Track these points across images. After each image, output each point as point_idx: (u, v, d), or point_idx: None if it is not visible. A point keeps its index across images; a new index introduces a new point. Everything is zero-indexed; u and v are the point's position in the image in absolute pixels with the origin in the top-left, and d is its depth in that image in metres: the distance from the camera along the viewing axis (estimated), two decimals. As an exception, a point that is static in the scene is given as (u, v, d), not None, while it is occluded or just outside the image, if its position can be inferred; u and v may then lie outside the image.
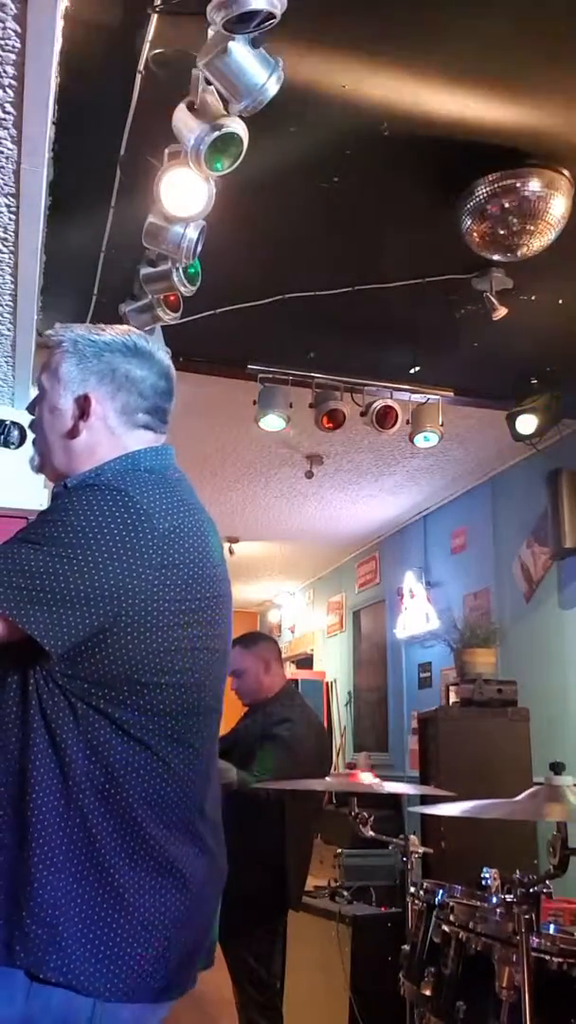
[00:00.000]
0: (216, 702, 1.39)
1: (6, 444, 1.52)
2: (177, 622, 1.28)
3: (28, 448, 1.55)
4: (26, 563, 1.21)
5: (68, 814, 1.20)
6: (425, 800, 3.20)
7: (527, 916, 1.70)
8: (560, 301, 3.40)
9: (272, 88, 2.05)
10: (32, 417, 1.48)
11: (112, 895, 1.20)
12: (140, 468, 1.38)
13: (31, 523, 1.31)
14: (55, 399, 1.43)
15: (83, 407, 1.41)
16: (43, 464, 1.47)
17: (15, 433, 1.51)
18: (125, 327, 1.51)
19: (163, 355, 1.49)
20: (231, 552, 6.93)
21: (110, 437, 1.42)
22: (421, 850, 2.52)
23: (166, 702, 1.27)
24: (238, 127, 2.17)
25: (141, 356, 1.45)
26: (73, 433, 1.41)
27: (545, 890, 1.76)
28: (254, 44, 2.00)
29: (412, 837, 2.51)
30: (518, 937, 1.70)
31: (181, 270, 2.78)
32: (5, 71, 1.97)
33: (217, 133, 2.14)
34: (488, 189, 2.64)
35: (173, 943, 1.25)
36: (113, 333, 1.46)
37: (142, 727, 1.25)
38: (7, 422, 1.52)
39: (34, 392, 1.52)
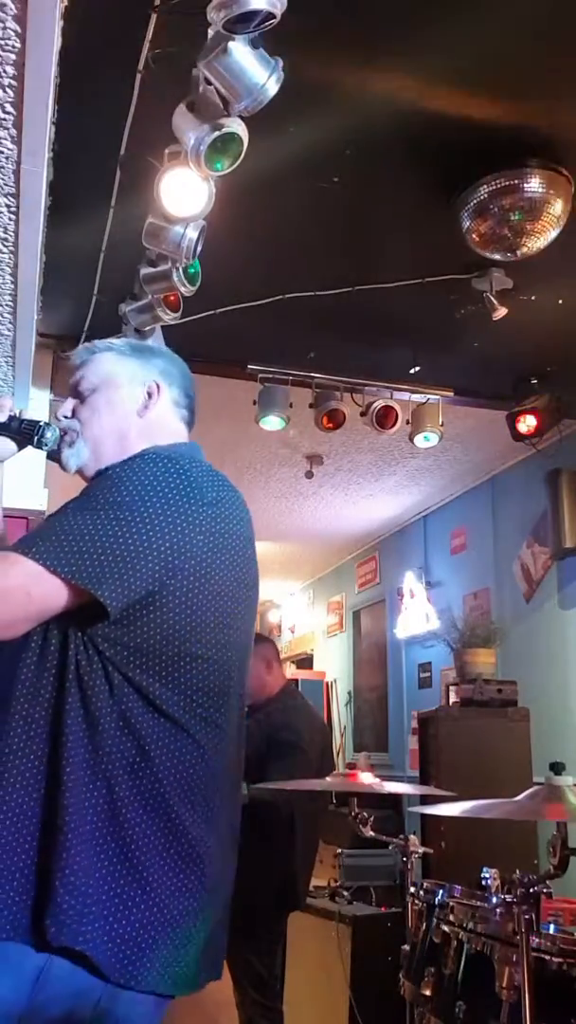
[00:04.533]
0: (241, 686, 1.39)
1: (39, 445, 1.52)
2: (223, 592, 1.31)
3: (29, 450, 1.55)
4: (83, 528, 1.24)
5: (94, 784, 1.20)
6: (425, 800, 3.19)
7: (527, 916, 1.70)
8: (560, 301, 3.40)
9: (272, 88, 2.04)
10: (70, 421, 1.52)
11: (133, 874, 1.20)
12: (183, 451, 1.44)
13: (81, 493, 1.34)
14: (117, 391, 1.52)
15: (151, 391, 1.53)
16: (95, 454, 1.49)
17: (48, 435, 1.52)
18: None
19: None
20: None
21: (165, 423, 1.53)
22: (421, 850, 2.51)
23: (200, 677, 1.28)
24: (238, 127, 2.17)
25: (179, 362, 1.61)
26: (143, 413, 1.51)
27: (545, 890, 1.75)
28: (254, 44, 2.00)
29: (412, 837, 2.50)
30: (518, 937, 1.70)
31: (181, 270, 2.78)
32: (5, 71, 1.97)
33: (217, 133, 2.14)
34: (488, 189, 2.64)
35: (186, 937, 1.24)
36: (154, 344, 1.67)
37: (175, 704, 1.26)
38: (41, 423, 1.53)
39: (37, 394, 1.55)
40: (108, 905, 1.18)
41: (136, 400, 1.52)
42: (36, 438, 1.52)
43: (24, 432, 1.52)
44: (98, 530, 1.24)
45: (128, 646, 1.25)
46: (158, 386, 1.54)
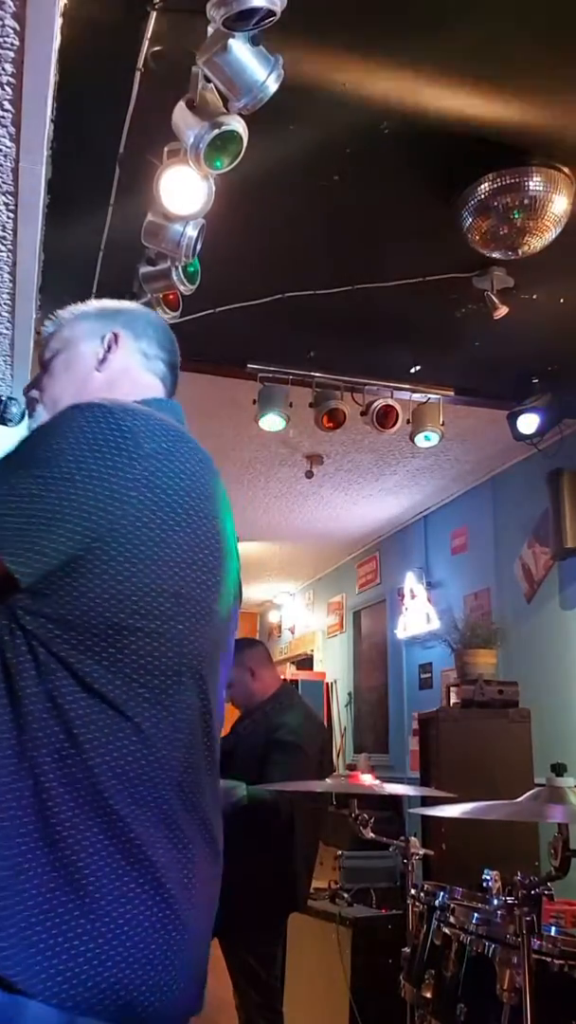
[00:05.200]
0: (207, 666, 1.20)
1: (3, 421, 1.48)
2: (163, 557, 1.13)
3: (23, 428, 1.52)
4: None
5: (19, 774, 1.05)
6: (426, 802, 3.19)
7: (528, 918, 1.69)
8: (561, 300, 3.39)
9: (272, 86, 2.04)
10: (32, 391, 1.44)
11: (64, 877, 1.03)
12: (131, 404, 1.27)
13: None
14: (75, 349, 1.41)
15: (110, 342, 1.40)
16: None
17: (13, 410, 1.47)
18: None
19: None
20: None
21: (129, 377, 1.40)
22: (422, 852, 2.51)
23: (141, 654, 1.11)
24: (238, 125, 2.16)
25: (151, 317, 1.50)
26: (100, 366, 1.39)
27: (546, 892, 1.75)
28: (254, 42, 1.99)
29: (413, 839, 2.50)
30: (519, 939, 1.69)
31: (180, 268, 2.77)
32: (4, 68, 1.96)
33: (217, 131, 2.14)
34: (489, 187, 2.63)
35: (143, 954, 1.04)
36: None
37: (109, 683, 1.09)
38: (3, 398, 1.49)
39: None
40: (36, 914, 1.01)
41: (96, 354, 1.40)
42: (0, 414, 1.49)
43: None
44: (8, 490, 1.11)
45: (52, 618, 1.09)
46: (116, 336, 1.41)
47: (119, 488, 1.11)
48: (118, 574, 1.10)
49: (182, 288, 2.83)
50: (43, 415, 1.38)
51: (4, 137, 2.18)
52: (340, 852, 3.95)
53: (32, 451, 1.15)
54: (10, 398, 1.47)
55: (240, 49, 1.98)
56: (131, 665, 1.11)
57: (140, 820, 1.08)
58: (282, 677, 3.66)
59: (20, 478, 1.12)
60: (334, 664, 8.11)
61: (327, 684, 7.99)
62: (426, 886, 2.19)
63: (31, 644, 1.09)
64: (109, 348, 1.41)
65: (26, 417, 1.46)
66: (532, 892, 1.71)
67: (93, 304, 1.49)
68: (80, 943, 1.01)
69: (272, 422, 3.95)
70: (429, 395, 4.09)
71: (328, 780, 2.73)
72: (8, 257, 2.67)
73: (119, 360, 1.41)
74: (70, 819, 1.05)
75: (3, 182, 2.34)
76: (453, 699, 4.57)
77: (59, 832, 1.04)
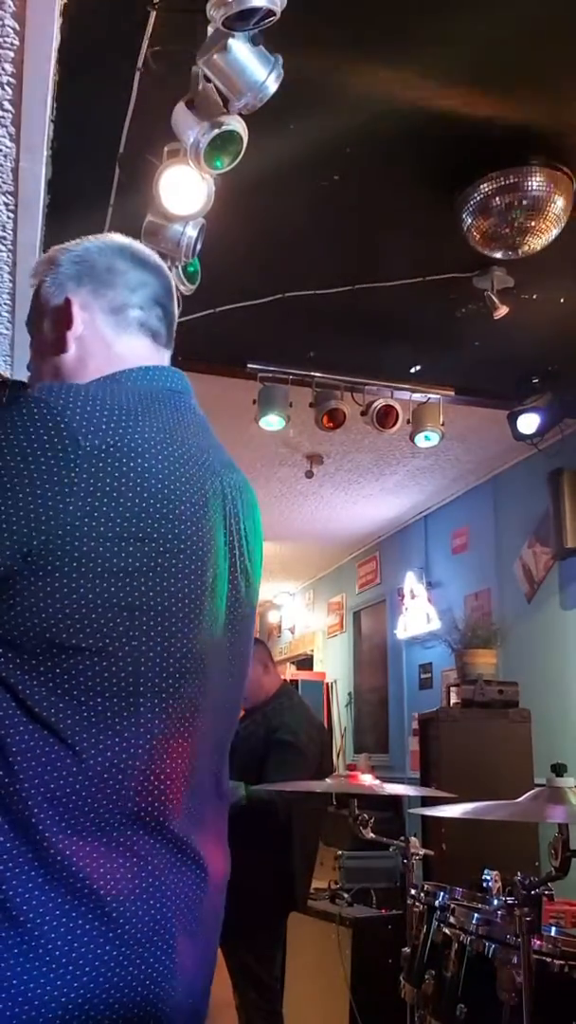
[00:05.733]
0: (187, 687, 1.08)
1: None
2: (110, 568, 1.00)
3: None
4: None
5: None
6: (426, 802, 3.18)
7: (528, 918, 1.69)
8: (562, 300, 3.39)
9: (272, 85, 2.04)
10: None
11: (3, 914, 0.94)
12: (91, 385, 1.12)
13: None
14: (39, 326, 1.24)
15: (64, 315, 1.20)
16: None
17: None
18: (112, 234, 1.32)
19: (150, 251, 1.31)
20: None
21: (102, 345, 1.20)
22: (422, 852, 2.50)
23: (87, 673, 1.00)
24: (238, 125, 2.16)
25: (120, 249, 1.26)
26: (59, 348, 1.20)
27: (546, 892, 1.75)
28: (254, 42, 1.99)
29: (413, 839, 2.49)
30: (519, 939, 1.69)
31: (180, 269, 2.77)
32: (3, 68, 1.96)
33: (217, 131, 2.13)
34: (490, 187, 2.63)
35: (98, 994, 0.95)
36: (91, 237, 1.27)
37: (51, 706, 0.99)
38: (10, 380, 1.32)
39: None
40: None
41: (50, 335, 1.22)
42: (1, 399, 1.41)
43: None
44: None
45: None
46: (67, 306, 1.20)
47: (53, 495, 0.99)
48: (56, 590, 0.99)
49: (182, 288, 2.83)
50: None
51: (4, 137, 2.18)
52: (340, 852, 3.95)
53: None
54: (13, 381, 1.37)
55: (240, 49, 1.98)
56: (78, 687, 1.00)
57: (84, 852, 0.98)
58: (282, 677, 3.67)
59: None
60: (334, 664, 8.10)
61: (327, 684, 7.98)
62: (426, 886, 2.19)
63: None
64: (66, 324, 1.20)
65: None
66: (532, 892, 1.71)
67: (56, 250, 1.27)
68: (19, 983, 0.93)
69: (272, 422, 3.95)
70: (429, 395, 4.09)
71: (328, 780, 2.73)
72: (8, 257, 2.67)
73: (83, 333, 1.20)
74: (8, 851, 0.96)
75: (3, 182, 2.34)
76: (453, 699, 4.57)
77: None
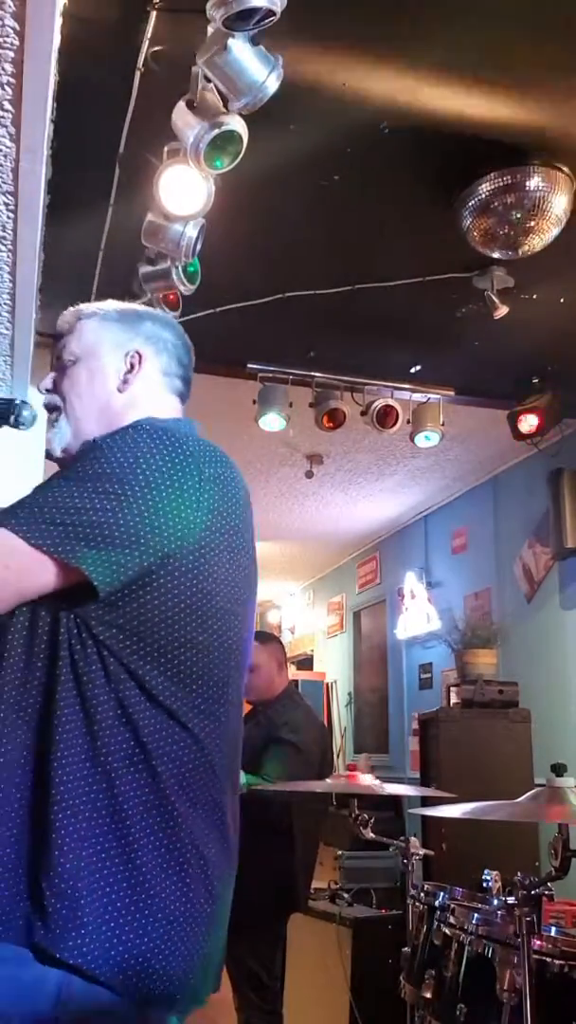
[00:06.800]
0: (241, 678, 1.30)
1: (16, 424, 1.41)
2: (224, 576, 1.22)
3: (34, 431, 1.47)
4: (68, 500, 1.14)
5: (95, 778, 1.11)
6: (426, 802, 3.19)
7: (528, 918, 1.69)
8: (562, 300, 3.39)
9: (272, 86, 2.04)
10: (50, 395, 1.41)
11: (137, 879, 1.10)
12: (178, 424, 1.34)
13: (66, 467, 1.26)
14: (97, 362, 1.40)
15: (134, 362, 1.40)
16: (76, 433, 1.38)
17: (25, 413, 1.42)
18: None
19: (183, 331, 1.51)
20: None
21: (152, 396, 1.40)
22: (422, 852, 2.50)
23: (200, 666, 1.18)
24: (238, 125, 2.16)
25: (172, 327, 1.48)
26: (122, 387, 1.39)
27: (546, 892, 1.75)
28: (254, 42, 1.99)
29: (413, 839, 2.49)
30: (519, 939, 1.69)
31: (180, 268, 2.77)
32: (3, 68, 1.96)
33: (217, 131, 2.13)
34: (490, 187, 2.63)
35: (194, 948, 1.13)
36: (143, 305, 1.51)
37: (172, 695, 1.16)
38: (16, 400, 1.42)
39: (36, 393, 1.46)
40: (110, 911, 1.08)
41: (118, 372, 1.40)
42: (13, 417, 1.42)
43: None
44: (84, 503, 1.14)
45: (124, 629, 1.14)
46: (140, 355, 1.40)
47: (187, 509, 1.18)
48: (186, 590, 1.17)
49: (182, 288, 2.83)
50: (66, 430, 1.38)
51: (4, 137, 2.17)
52: (340, 852, 3.95)
53: (97, 465, 1.18)
54: (23, 401, 1.43)
55: (240, 49, 1.98)
56: (190, 676, 1.18)
57: (198, 824, 1.16)
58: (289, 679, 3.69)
59: (90, 492, 1.15)
60: (334, 664, 8.10)
61: (327, 684, 7.98)
62: (426, 886, 2.19)
63: (101, 654, 1.14)
64: (132, 368, 1.40)
65: (36, 421, 1.42)
66: (532, 892, 1.71)
67: (115, 306, 1.46)
68: (151, 943, 1.09)
69: (272, 422, 3.94)
70: (429, 395, 4.09)
71: (328, 780, 2.73)
72: (8, 257, 2.67)
73: (141, 380, 1.40)
74: (141, 824, 1.11)
75: (3, 182, 2.34)
76: (453, 699, 4.57)
77: (132, 832, 1.11)
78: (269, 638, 3.54)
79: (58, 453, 1.39)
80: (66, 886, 1.07)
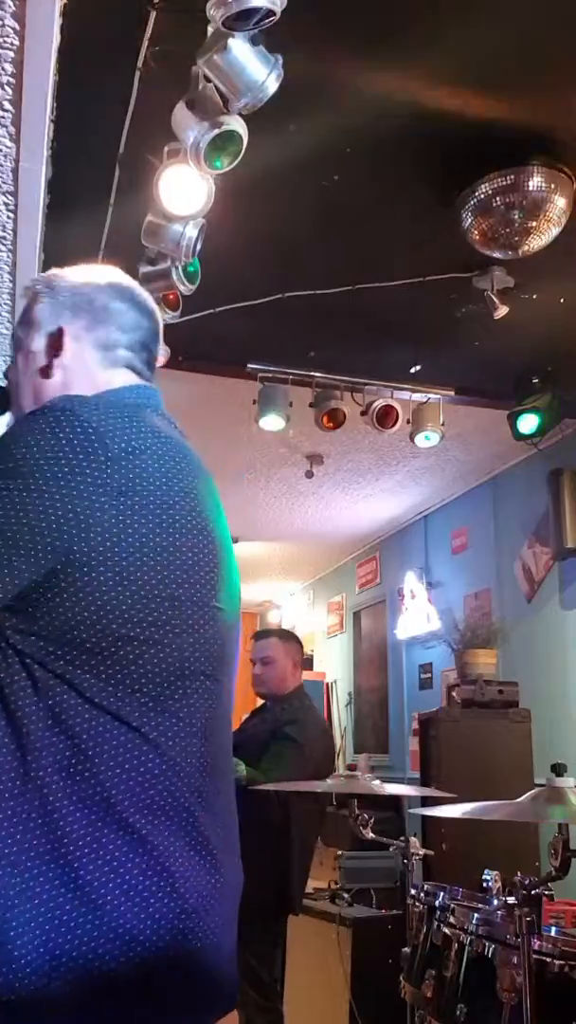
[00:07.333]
0: (217, 670, 1.17)
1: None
2: (149, 562, 1.08)
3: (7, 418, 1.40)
4: None
5: (24, 796, 1.01)
6: (426, 802, 3.18)
7: (528, 918, 1.69)
8: (562, 300, 3.39)
9: (272, 86, 2.04)
10: (8, 384, 1.33)
11: (79, 894, 0.99)
12: (97, 398, 1.19)
13: None
14: (29, 343, 1.28)
15: (55, 343, 1.26)
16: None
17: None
18: (113, 269, 1.37)
19: (147, 295, 1.36)
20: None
21: (87, 376, 1.26)
22: (422, 852, 2.50)
23: (137, 662, 1.07)
24: (238, 125, 2.16)
25: (121, 290, 1.31)
26: (45, 372, 1.26)
27: (546, 892, 1.75)
28: (254, 42, 1.99)
29: (413, 839, 2.49)
30: (519, 939, 1.69)
31: (180, 268, 2.77)
32: (3, 68, 1.96)
33: (217, 131, 2.13)
34: (490, 187, 2.63)
35: (161, 968, 1.01)
36: (94, 271, 1.33)
37: (111, 696, 1.05)
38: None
39: None
40: (48, 932, 0.97)
41: (39, 357, 1.27)
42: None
43: None
44: None
45: (43, 636, 1.05)
46: (60, 334, 1.26)
47: (88, 494, 1.05)
48: (101, 584, 1.05)
49: (182, 288, 2.83)
50: (10, 419, 1.30)
51: (4, 137, 2.18)
52: (340, 852, 3.95)
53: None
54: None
55: (240, 49, 1.98)
56: (131, 675, 1.07)
57: (159, 830, 1.05)
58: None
59: None
60: (334, 664, 8.10)
61: (327, 684, 7.98)
62: (426, 886, 2.19)
63: (25, 663, 1.05)
64: (55, 352, 1.26)
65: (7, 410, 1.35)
66: (532, 892, 1.71)
67: (57, 276, 1.32)
68: (93, 954, 0.98)
69: (272, 422, 3.94)
70: (429, 395, 4.09)
71: (328, 780, 2.73)
72: (8, 257, 2.67)
73: (70, 363, 1.26)
74: (80, 836, 1.01)
75: (3, 182, 2.34)
76: (453, 699, 4.57)
77: (71, 851, 1.00)
78: (289, 636, 3.56)
79: None
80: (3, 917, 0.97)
